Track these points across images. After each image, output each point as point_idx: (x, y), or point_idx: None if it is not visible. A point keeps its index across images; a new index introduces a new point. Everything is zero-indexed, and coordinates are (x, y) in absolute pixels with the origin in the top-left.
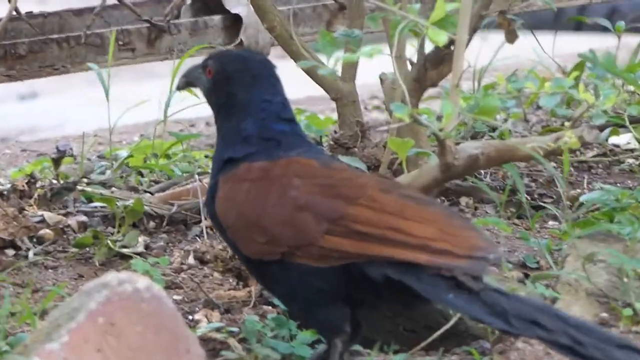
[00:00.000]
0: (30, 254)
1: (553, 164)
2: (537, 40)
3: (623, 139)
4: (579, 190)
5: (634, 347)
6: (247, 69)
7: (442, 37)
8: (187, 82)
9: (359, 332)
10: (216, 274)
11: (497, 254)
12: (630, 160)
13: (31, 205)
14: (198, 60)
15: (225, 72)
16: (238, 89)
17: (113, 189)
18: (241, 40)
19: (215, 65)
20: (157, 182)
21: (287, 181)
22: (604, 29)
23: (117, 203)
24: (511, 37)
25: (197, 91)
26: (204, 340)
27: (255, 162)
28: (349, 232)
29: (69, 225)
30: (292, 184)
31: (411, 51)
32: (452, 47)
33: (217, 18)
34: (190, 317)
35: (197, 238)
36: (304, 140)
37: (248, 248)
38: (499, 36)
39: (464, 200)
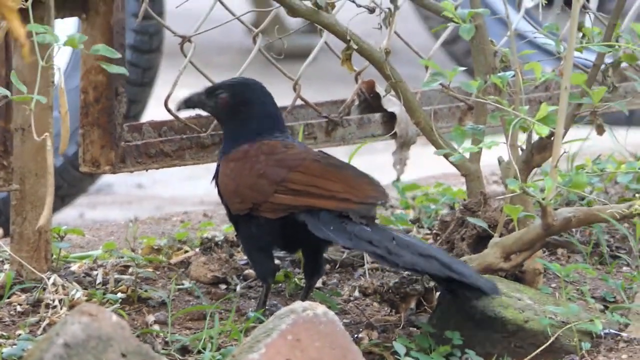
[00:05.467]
0: (238, 287)
1: (626, 224)
2: (613, 133)
3: None
4: None
5: (435, 256)
6: (257, 94)
7: (545, 130)
8: (187, 106)
9: (316, 276)
10: (375, 304)
11: (384, 200)
12: None
13: (239, 252)
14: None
15: (241, 98)
16: (253, 108)
17: None
18: (395, 132)
19: (229, 94)
20: None
21: (256, 158)
22: None
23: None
24: (600, 130)
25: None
26: (366, 353)
27: (241, 147)
28: (288, 190)
29: None
30: (259, 159)
31: (521, 140)
32: (552, 138)
33: (377, 115)
34: (356, 336)
35: (361, 277)
36: (282, 131)
37: (232, 207)
38: (587, 129)
39: (559, 251)
